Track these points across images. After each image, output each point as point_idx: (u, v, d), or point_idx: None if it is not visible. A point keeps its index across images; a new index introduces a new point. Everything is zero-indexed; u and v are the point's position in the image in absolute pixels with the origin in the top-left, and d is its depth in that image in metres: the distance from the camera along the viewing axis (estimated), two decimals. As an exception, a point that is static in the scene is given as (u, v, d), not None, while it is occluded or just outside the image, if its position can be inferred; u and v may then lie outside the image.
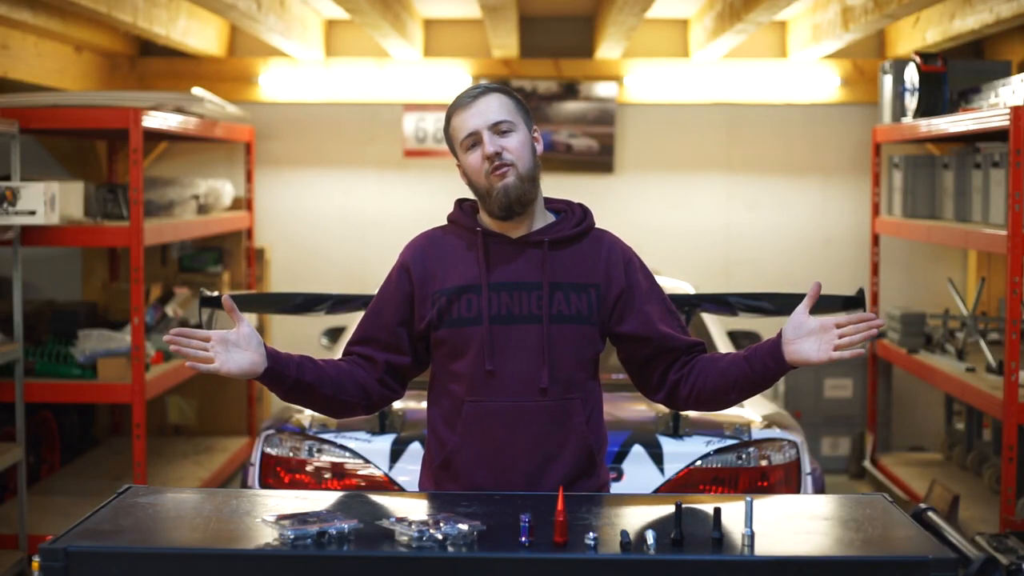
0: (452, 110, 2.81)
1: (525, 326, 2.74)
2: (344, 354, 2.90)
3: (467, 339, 2.75)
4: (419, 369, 2.89)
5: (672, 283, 5.30)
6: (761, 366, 2.71)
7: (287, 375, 2.72)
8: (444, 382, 2.83)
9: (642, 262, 2.89)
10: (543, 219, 2.84)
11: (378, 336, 2.84)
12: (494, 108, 2.76)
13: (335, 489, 3.78)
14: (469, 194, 2.89)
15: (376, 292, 2.92)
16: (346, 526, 2.27)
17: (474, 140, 2.76)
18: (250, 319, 7.09)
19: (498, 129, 2.75)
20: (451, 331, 2.77)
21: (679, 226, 7.71)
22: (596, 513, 2.50)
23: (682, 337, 2.82)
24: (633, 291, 2.82)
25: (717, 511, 2.29)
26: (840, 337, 2.63)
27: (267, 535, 2.29)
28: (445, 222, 2.91)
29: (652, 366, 2.84)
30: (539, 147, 2.83)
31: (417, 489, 2.97)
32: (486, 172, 2.74)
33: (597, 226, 2.89)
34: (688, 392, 2.81)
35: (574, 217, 2.86)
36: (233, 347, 2.65)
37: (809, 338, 2.65)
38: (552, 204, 2.89)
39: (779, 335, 2.70)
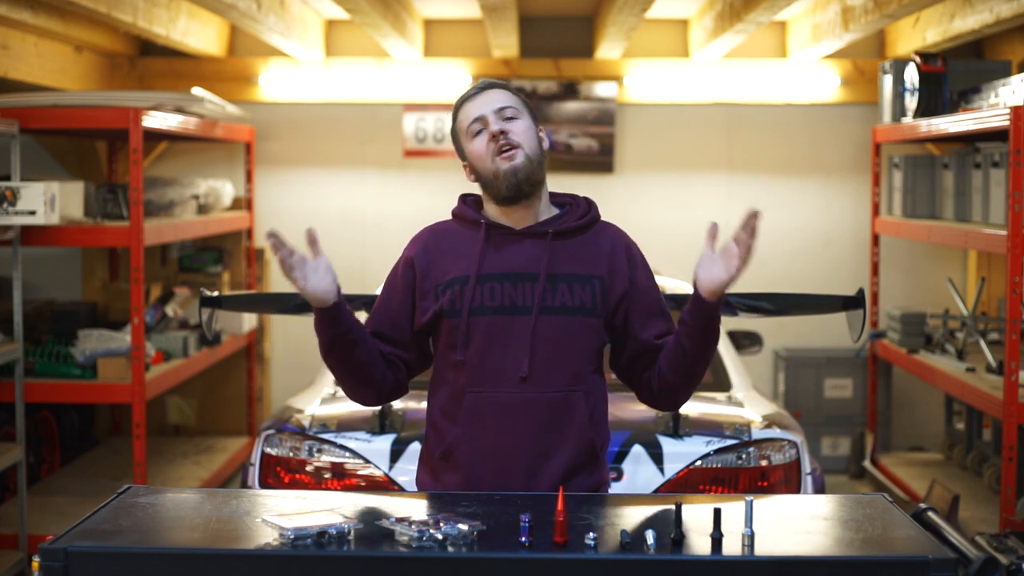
0: (459, 104, 2.86)
1: (528, 317, 2.75)
2: None
3: (468, 329, 2.76)
4: (424, 364, 2.91)
5: (672, 283, 5.30)
6: (691, 317, 2.74)
7: (346, 320, 2.74)
8: (445, 373, 2.84)
9: (643, 257, 2.92)
10: (548, 211, 2.86)
11: (384, 331, 2.86)
12: (499, 98, 2.82)
13: (335, 489, 3.78)
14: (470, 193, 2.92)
15: (380, 288, 2.93)
16: (346, 526, 2.27)
17: (481, 125, 2.80)
18: (250, 319, 7.15)
19: (503, 115, 2.80)
20: (453, 321, 2.78)
21: (679, 226, 7.71)
22: (596, 513, 2.50)
23: (666, 342, 2.84)
24: (633, 290, 2.83)
25: (717, 511, 2.29)
26: (736, 244, 2.65)
27: (267, 535, 2.29)
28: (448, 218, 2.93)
29: (634, 365, 2.88)
30: (545, 144, 2.86)
31: (414, 484, 2.97)
32: (492, 154, 2.76)
33: (602, 219, 2.91)
34: (659, 383, 2.84)
35: (579, 209, 2.88)
36: (312, 271, 2.69)
37: (715, 266, 2.69)
38: (557, 198, 2.92)
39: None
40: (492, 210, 2.83)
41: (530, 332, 2.74)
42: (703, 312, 2.73)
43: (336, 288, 2.72)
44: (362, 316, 5.08)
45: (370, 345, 2.81)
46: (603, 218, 2.94)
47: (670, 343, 2.80)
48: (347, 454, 3.83)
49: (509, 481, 2.74)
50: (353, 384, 2.86)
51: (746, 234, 2.65)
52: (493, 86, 2.85)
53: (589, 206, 2.89)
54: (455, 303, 2.77)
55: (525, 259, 2.78)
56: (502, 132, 2.76)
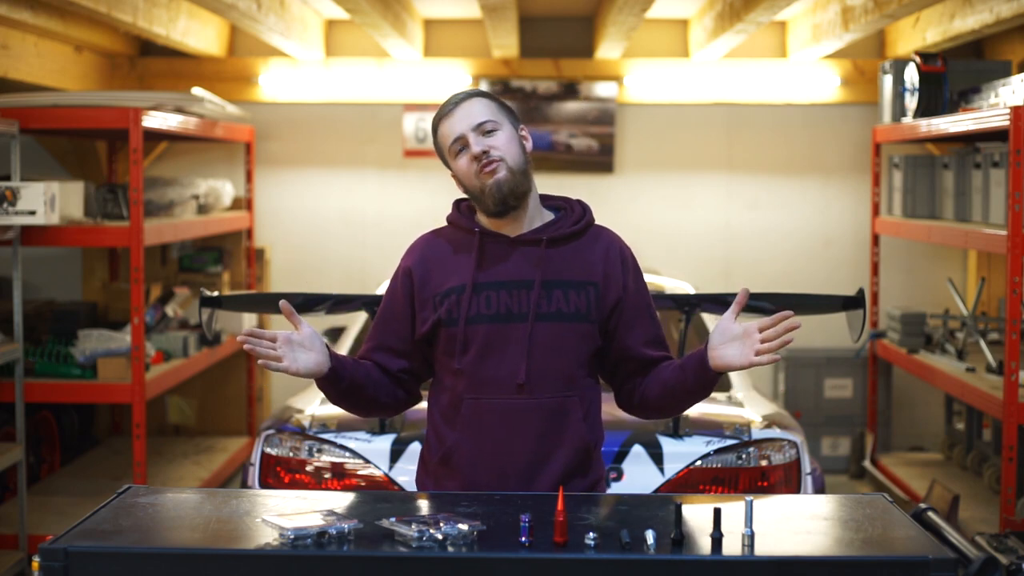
0: (437, 121, 2.85)
1: (524, 324, 2.76)
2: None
3: (466, 337, 2.77)
4: (430, 370, 2.92)
5: (672, 283, 5.30)
6: (692, 374, 2.74)
7: (344, 376, 2.77)
8: (444, 379, 2.85)
9: (636, 263, 2.91)
10: (541, 217, 2.85)
11: (389, 343, 2.87)
12: (476, 111, 2.79)
13: (335, 489, 3.78)
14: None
15: (381, 296, 2.93)
16: (346, 526, 2.27)
17: (461, 145, 2.79)
18: (250, 319, 7.15)
19: (483, 129, 2.78)
20: (450, 330, 2.78)
21: (679, 226, 7.71)
22: (596, 513, 2.50)
23: (650, 353, 2.85)
24: (624, 297, 2.83)
25: (717, 511, 2.29)
26: (761, 342, 2.64)
27: (267, 535, 2.29)
28: (444, 223, 2.93)
29: (617, 369, 2.89)
30: (528, 144, 2.85)
31: (414, 484, 2.98)
32: (476, 172, 2.76)
33: (596, 223, 2.90)
34: (639, 399, 2.88)
35: (573, 215, 2.87)
36: (299, 347, 2.69)
37: (733, 343, 2.67)
38: (551, 201, 2.91)
39: (707, 342, 2.72)
40: (484, 219, 2.84)
41: (526, 339, 2.75)
42: (705, 378, 2.73)
43: (326, 355, 2.72)
44: (363, 316, 5.10)
45: (374, 379, 2.84)
46: (603, 219, 2.94)
47: (663, 375, 2.81)
48: (347, 454, 3.83)
49: (507, 486, 2.75)
50: (366, 414, 2.96)
51: (775, 336, 2.63)
52: (468, 97, 2.82)
53: (583, 211, 2.89)
54: (452, 312, 2.78)
55: (520, 267, 2.78)
56: (484, 152, 2.75)
